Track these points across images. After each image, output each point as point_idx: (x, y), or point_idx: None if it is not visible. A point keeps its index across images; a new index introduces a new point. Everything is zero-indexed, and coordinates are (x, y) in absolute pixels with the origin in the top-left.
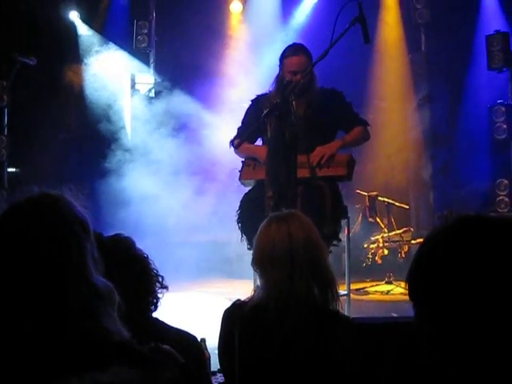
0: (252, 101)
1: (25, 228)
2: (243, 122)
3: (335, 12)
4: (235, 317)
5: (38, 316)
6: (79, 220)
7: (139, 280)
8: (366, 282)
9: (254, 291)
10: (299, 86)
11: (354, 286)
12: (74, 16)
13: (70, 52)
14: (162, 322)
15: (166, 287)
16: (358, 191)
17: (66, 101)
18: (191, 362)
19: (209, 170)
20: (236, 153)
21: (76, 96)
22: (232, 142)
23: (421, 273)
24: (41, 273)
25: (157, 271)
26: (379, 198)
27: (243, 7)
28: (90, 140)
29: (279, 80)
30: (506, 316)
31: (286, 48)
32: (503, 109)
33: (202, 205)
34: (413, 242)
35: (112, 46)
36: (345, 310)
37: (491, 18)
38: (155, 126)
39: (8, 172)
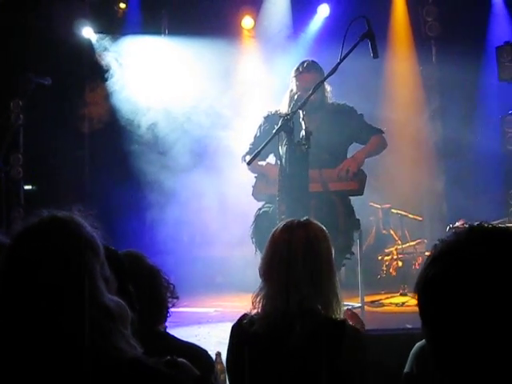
0: (264, 117)
1: (36, 255)
2: (255, 137)
3: (346, 25)
4: (241, 332)
5: (49, 340)
6: (89, 242)
7: (151, 294)
8: (380, 294)
9: (253, 303)
10: (311, 102)
11: (369, 299)
12: (88, 32)
13: (87, 68)
14: (172, 336)
15: (176, 297)
16: (372, 203)
17: (82, 117)
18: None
19: None
20: (248, 169)
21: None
22: (244, 158)
23: (434, 293)
24: (51, 298)
25: (168, 283)
26: (392, 211)
27: (254, 23)
28: (109, 154)
29: (291, 96)
30: None
31: (299, 65)
32: None
33: None
34: (426, 253)
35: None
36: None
37: (501, 29)
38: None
39: (24, 189)
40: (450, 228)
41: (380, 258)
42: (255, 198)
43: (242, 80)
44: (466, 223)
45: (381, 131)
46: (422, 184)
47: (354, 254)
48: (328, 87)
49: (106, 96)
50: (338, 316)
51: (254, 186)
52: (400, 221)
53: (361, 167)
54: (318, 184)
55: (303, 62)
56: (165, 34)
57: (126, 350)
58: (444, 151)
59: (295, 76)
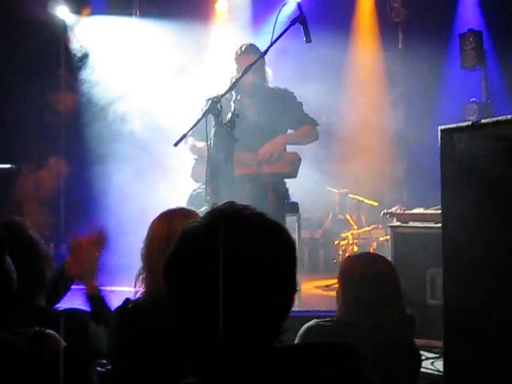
0: (206, 100)
1: None
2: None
3: (324, 9)
4: (126, 319)
5: None
6: None
7: (29, 265)
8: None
9: (135, 286)
10: (251, 85)
11: (326, 282)
12: (63, 12)
13: (61, 50)
14: (49, 307)
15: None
16: (329, 188)
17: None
18: (78, 340)
19: None
20: (189, 150)
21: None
22: (185, 140)
23: (167, 267)
24: None
25: (48, 256)
26: (349, 196)
27: (229, 5)
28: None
29: (231, 79)
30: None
31: (238, 48)
32: (475, 107)
33: None
34: (381, 238)
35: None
36: (296, 304)
37: (468, 16)
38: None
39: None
40: (384, 213)
41: (337, 242)
42: (194, 180)
43: (215, 64)
44: (402, 209)
45: (315, 123)
46: (384, 170)
47: None
48: (269, 71)
49: (79, 80)
50: None
51: (192, 168)
52: (356, 206)
53: (281, 150)
54: (253, 166)
55: (242, 46)
56: (136, 15)
57: None
58: (406, 138)
59: (234, 59)
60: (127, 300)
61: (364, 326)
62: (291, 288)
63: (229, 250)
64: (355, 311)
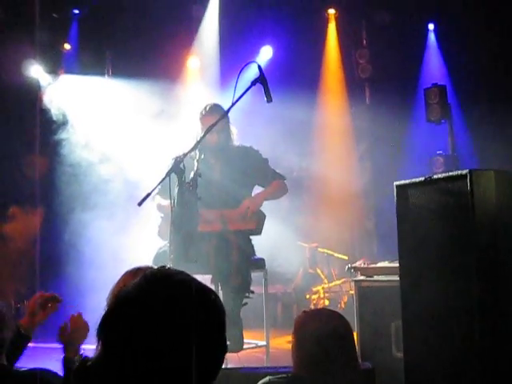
0: (172, 159)
1: None
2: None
3: (292, 66)
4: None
5: None
6: None
7: None
8: None
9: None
10: (216, 144)
11: None
12: (37, 70)
13: (38, 109)
14: (10, 367)
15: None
16: (300, 243)
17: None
18: None
19: None
20: (156, 208)
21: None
22: (153, 198)
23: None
24: None
25: (11, 320)
26: (319, 250)
27: (200, 64)
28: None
29: (195, 139)
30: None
31: (202, 108)
32: (442, 159)
33: None
34: (351, 292)
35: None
36: (264, 360)
37: (432, 71)
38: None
39: None
40: (348, 268)
41: (308, 296)
42: (160, 237)
43: (188, 121)
44: (366, 263)
45: (283, 177)
46: (353, 224)
47: (253, 292)
48: (234, 130)
49: (57, 141)
50: None
51: (159, 226)
52: (327, 260)
53: (260, 207)
54: (218, 224)
55: (206, 106)
56: (108, 75)
57: None
58: (374, 191)
59: (199, 119)
60: (84, 358)
61: (317, 382)
62: (218, 350)
63: (158, 313)
64: (309, 367)
